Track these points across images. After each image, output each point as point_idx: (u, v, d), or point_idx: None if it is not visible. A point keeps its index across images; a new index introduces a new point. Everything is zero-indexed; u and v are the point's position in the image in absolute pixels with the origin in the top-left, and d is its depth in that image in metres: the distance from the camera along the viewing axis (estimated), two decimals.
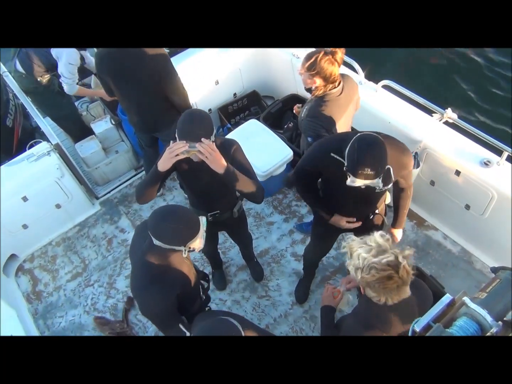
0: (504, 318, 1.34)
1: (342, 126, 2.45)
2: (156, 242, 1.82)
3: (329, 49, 2.30)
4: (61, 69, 3.38)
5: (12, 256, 3.71)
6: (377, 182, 1.94)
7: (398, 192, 2.41)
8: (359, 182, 1.94)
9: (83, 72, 4.07)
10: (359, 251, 1.48)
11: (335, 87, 2.39)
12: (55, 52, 3.33)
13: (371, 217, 2.48)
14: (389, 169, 1.99)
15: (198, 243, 1.87)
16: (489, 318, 1.28)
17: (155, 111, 3.04)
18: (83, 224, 3.86)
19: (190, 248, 1.85)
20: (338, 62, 2.32)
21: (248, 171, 2.22)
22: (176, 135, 2.06)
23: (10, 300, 3.33)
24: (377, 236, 1.50)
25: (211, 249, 3.04)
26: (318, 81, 2.36)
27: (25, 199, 3.33)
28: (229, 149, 2.20)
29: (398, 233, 2.62)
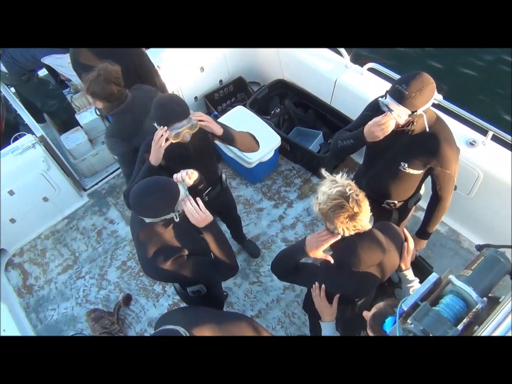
0: (489, 294, 1.36)
1: None
2: (148, 220, 1.84)
3: None
4: (68, 76, 3.54)
5: (1, 251, 3.68)
6: (405, 111, 1.86)
7: (432, 199, 2.29)
8: (391, 104, 1.87)
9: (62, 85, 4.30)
10: (321, 188, 1.63)
11: None
12: (53, 65, 3.45)
13: (384, 205, 2.42)
14: (422, 115, 1.92)
15: (182, 202, 1.85)
16: (474, 295, 1.30)
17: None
18: (71, 216, 3.83)
19: (179, 211, 1.86)
20: None
21: (233, 129, 2.29)
22: (156, 125, 2.05)
23: (1, 295, 3.32)
24: (338, 176, 1.64)
25: None
26: None
27: (11, 193, 3.30)
28: None
29: (420, 244, 2.51)
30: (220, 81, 4.19)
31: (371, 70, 3.26)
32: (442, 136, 2.03)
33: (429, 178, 2.24)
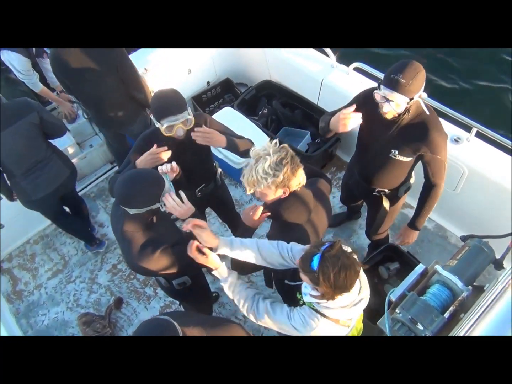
0: (474, 283, 1.40)
1: None
2: (132, 211, 1.82)
3: None
4: (17, 74, 3.36)
5: None
6: (403, 99, 1.90)
7: (425, 188, 2.31)
8: (389, 94, 1.90)
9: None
10: (257, 169, 1.68)
11: None
12: (5, 56, 3.27)
13: (374, 193, 2.47)
14: (418, 102, 1.98)
15: (167, 191, 1.87)
16: (459, 284, 1.34)
17: (116, 107, 3.00)
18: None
19: (164, 202, 1.86)
20: None
21: (232, 134, 2.31)
22: (154, 118, 2.07)
23: None
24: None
25: None
26: None
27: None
28: (204, 122, 2.27)
29: (412, 235, 2.51)
30: (208, 82, 4.20)
31: (357, 69, 3.30)
32: (431, 123, 2.08)
33: (421, 168, 2.27)
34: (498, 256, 1.68)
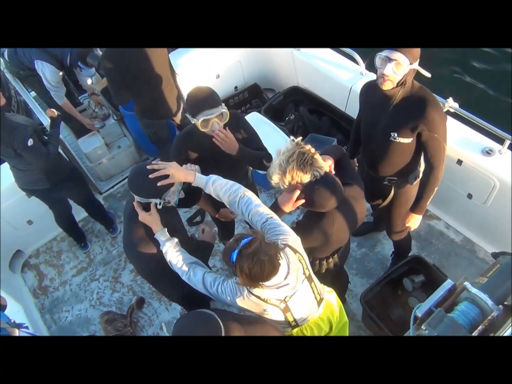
0: (505, 302, 1.35)
1: None
2: (136, 198, 1.90)
3: None
4: (46, 84, 3.54)
5: (18, 252, 3.75)
6: (404, 59, 1.95)
7: (425, 173, 2.32)
8: (391, 53, 1.95)
9: (80, 90, 4.35)
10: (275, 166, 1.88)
11: None
12: (38, 65, 3.46)
13: (385, 182, 2.49)
14: (415, 70, 2.03)
15: (172, 194, 1.92)
16: (489, 302, 1.29)
17: (170, 97, 3.24)
18: (87, 219, 3.88)
19: (165, 200, 1.91)
20: None
21: (256, 142, 2.39)
22: (190, 115, 2.13)
23: (16, 296, 3.36)
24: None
25: (228, 232, 3.05)
26: None
27: (29, 194, 3.36)
28: (237, 123, 2.34)
29: (413, 219, 2.49)
30: (235, 87, 4.22)
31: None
32: (427, 99, 2.10)
33: None
34: None
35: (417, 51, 1.98)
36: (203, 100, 2.09)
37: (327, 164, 1.95)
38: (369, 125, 2.35)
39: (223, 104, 2.14)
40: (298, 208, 2.04)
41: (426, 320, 1.32)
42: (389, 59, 1.97)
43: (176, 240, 1.94)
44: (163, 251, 1.90)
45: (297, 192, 1.90)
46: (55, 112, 3.01)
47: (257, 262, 1.51)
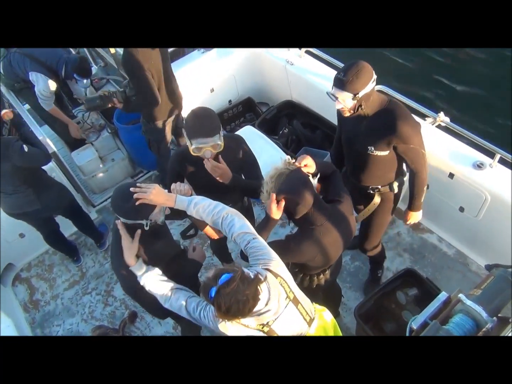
0: (499, 314, 1.36)
1: None
2: (122, 220, 1.90)
3: None
4: (37, 93, 3.58)
5: (9, 265, 3.70)
6: (347, 95, 2.05)
7: (411, 177, 2.40)
8: (335, 92, 2.08)
9: (74, 103, 4.41)
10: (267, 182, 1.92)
11: None
12: (33, 77, 3.51)
13: (369, 191, 2.52)
14: (369, 97, 2.09)
15: (158, 214, 1.92)
16: (484, 314, 1.30)
17: (177, 94, 3.34)
18: (79, 232, 3.84)
19: (151, 220, 1.91)
20: None
21: (255, 170, 2.40)
22: (186, 135, 2.11)
23: (7, 309, 3.31)
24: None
25: (219, 244, 3.03)
26: None
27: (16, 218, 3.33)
28: (236, 148, 2.34)
29: (413, 216, 2.57)
30: (230, 101, 4.26)
31: (380, 92, 3.30)
32: (396, 113, 2.15)
33: None
34: None
35: (360, 81, 2.04)
36: (200, 126, 2.07)
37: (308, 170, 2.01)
38: (348, 140, 2.44)
39: (221, 132, 2.12)
40: (289, 224, 2.10)
41: (422, 332, 1.32)
42: (335, 97, 2.10)
43: (155, 270, 1.94)
44: (141, 284, 1.91)
45: (274, 194, 1.92)
46: (11, 113, 3.06)
47: (235, 303, 1.48)
